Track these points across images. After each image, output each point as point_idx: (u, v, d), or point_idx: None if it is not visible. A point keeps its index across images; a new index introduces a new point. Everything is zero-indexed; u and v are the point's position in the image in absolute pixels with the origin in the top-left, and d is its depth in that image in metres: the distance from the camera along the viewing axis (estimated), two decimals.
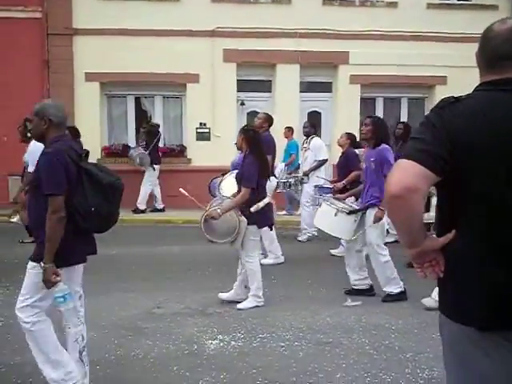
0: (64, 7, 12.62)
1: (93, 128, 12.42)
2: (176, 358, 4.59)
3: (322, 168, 9.73)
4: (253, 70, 13.31)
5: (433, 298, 5.70)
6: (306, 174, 9.55)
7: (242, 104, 13.47)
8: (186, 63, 12.77)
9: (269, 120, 8.46)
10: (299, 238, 9.67)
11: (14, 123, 11.61)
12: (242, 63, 13.09)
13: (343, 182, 7.83)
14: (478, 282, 1.94)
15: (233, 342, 4.93)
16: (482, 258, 1.94)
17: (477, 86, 2.10)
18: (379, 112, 14.04)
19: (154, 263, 7.89)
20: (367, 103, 13.89)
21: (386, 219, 6.06)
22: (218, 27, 12.84)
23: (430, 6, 13.41)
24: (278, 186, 8.71)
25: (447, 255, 2.02)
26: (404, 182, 1.87)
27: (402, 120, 13.90)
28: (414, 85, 13.63)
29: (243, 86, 13.36)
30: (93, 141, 11.90)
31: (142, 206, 12.02)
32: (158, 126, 12.59)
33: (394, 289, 6.19)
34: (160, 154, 12.35)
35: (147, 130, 12.40)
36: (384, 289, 6.23)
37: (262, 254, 7.78)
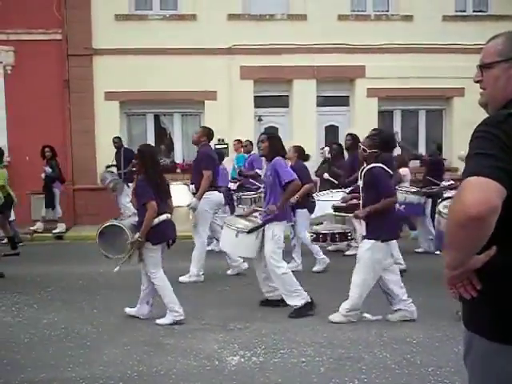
0: (83, 28, 12.88)
1: (112, 146, 12.58)
2: (198, 373, 4.62)
3: None
4: (270, 85, 13.42)
5: (340, 313, 5.80)
6: None
7: (260, 120, 13.56)
8: (204, 81, 12.92)
9: (207, 134, 8.30)
10: None
11: (35, 143, 11.87)
12: (259, 79, 13.21)
13: (296, 195, 7.50)
14: None
15: (254, 358, 4.95)
16: None
17: None
18: (397, 125, 14.05)
19: (175, 279, 7.92)
20: (385, 116, 13.90)
21: (281, 232, 6.20)
22: (235, 45, 12.98)
23: (445, 18, 13.43)
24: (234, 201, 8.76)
25: (486, 272, 1.92)
26: (487, 202, 1.71)
27: (420, 131, 13.95)
28: (432, 97, 13.61)
29: (260, 101, 13.46)
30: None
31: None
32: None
33: (298, 301, 6.17)
34: None
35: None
36: (288, 303, 6.20)
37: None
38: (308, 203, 8.07)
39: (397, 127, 14.04)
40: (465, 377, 2.19)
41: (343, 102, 13.85)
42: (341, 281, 6.57)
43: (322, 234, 6.40)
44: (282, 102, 13.72)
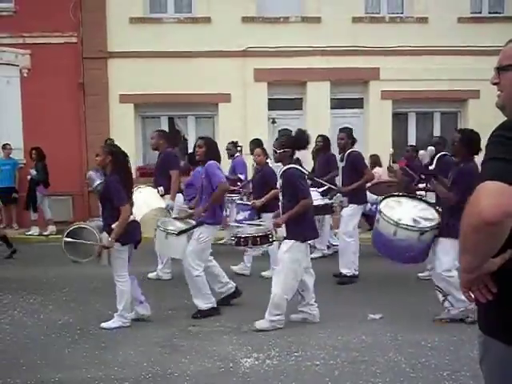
0: (99, 31, 12.98)
1: (127, 148, 12.40)
2: (212, 375, 4.64)
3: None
4: (283, 88, 13.42)
5: (266, 319, 5.76)
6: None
7: (274, 122, 13.57)
8: (218, 83, 12.95)
9: (164, 136, 8.36)
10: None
11: (51, 145, 11.98)
12: (273, 82, 13.22)
13: (262, 199, 7.59)
14: None
15: (268, 361, 4.95)
16: None
17: None
18: (412, 127, 14.00)
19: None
20: (399, 118, 13.85)
21: (207, 234, 6.24)
22: (249, 47, 13.01)
23: (460, 19, 13.35)
24: None
25: (501, 275, 1.92)
26: (502, 207, 1.70)
27: (435, 133, 13.85)
28: (447, 99, 13.54)
29: (274, 104, 13.47)
30: None
31: None
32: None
33: (204, 304, 6.25)
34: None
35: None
36: (195, 302, 6.29)
37: None
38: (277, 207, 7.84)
39: (411, 129, 14.01)
40: (481, 381, 2.18)
41: (357, 104, 13.82)
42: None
43: (243, 237, 6.31)
44: (296, 104, 13.72)
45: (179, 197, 8.17)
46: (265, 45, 12.94)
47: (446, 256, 5.70)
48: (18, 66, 13.18)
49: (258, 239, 6.27)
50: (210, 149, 6.43)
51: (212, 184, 6.23)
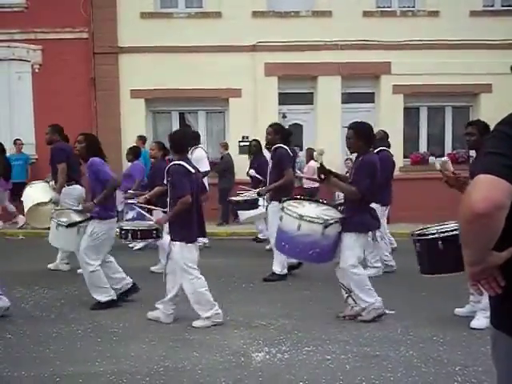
0: (109, 27, 13.02)
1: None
2: (223, 369, 4.64)
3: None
4: (294, 82, 13.39)
5: (201, 319, 5.74)
6: None
7: (284, 117, 13.55)
8: (229, 78, 12.95)
9: (58, 130, 8.51)
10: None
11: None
12: (284, 76, 13.19)
13: (146, 195, 7.43)
14: None
15: (279, 355, 4.95)
16: None
17: None
18: (423, 121, 13.93)
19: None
20: (411, 113, 13.78)
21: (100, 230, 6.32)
22: (259, 42, 12.99)
23: (472, 13, 13.24)
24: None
25: (508, 269, 1.94)
26: (492, 200, 1.75)
27: (446, 128, 13.80)
28: (459, 93, 13.45)
29: (285, 98, 13.45)
30: None
31: None
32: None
33: (103, 297, 6.36)
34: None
35: None
36: (93, 295, 6.37)
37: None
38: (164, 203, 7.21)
39: (423, 124, 13.94)
40: (493, 376, 2.17)
41: (368, 98, 13.77)
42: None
43: (125, 230, 6.43)
44: (307, 98, 13.69)
45: (75, 189, 8.23)
46: (275, 39, 12.91)
47: (350, 251, 5.68)
48: (29, 61, 13.26)
49: (139, 233, 6.45)
50: (90, 145, 6.44)
51: (100, 181, 6.27)
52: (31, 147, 13.10)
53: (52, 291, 7.23)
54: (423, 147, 13.95)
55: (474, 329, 5.48)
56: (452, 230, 5.19)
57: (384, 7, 13.58)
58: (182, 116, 13.80)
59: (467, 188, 1.85)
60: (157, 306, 5.95)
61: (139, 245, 9.71)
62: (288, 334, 5.47)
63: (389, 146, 8.39)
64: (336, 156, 12.29)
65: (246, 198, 8.81)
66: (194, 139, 9.55)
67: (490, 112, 12.49)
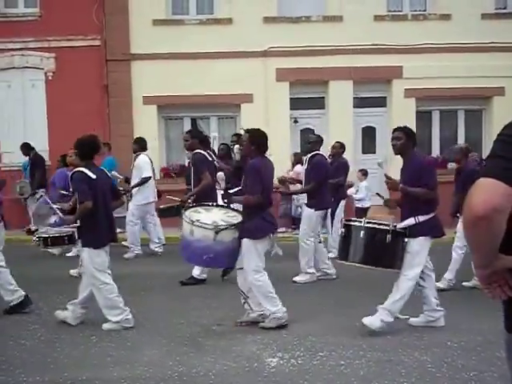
0: (121, 34, 13.11)
1: (151, 149, 12.66)
2: (237, 375, 4.65)
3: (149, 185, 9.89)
4: (306, 87, 13.40)
5: (110, 322, 5.81)
6: (128, 191, 9.79)
7: (296, 122, 13.56)
8: (240, 84, 12.98)
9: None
10: (125, 256, 9.78)
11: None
12: (295, 81, 13.21)
13: (70, 203, 7.25)
14: None
15: (292, 360, 4.95)
16: None
17: None
18: (436, 125, 13.88)
19: (214, 280, 7.98)
20: (423, 117, 13.73)
21: None
22: (271, 47, 13.02)
23: (484, 16, 13.20)
24: None
25: None
26: (491, 203, 1.77)
27: (459, 131, 13.72)
28: (471, 97, 13.40)
29: (296, 103, 13.46)
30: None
31: None
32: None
33: (16, 299, 6.41)
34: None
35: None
36: (5, 298, 6.41)
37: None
38: None
39: (435, 128, 13.89)
40: (509, 382, 2.16)
41: (380, 102, 13.74)
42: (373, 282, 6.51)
43: (38, 238, 6.59)
44: (318, 103, 13.69)
45: None
46: (287, 44, 12.94)
47: (248, 255, 5.68)
48: (42, 69, 13.38)
49: (49, 240, 6.67)
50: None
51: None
52: (45, 154, 13.19)
53: (66, 296, 7.25)
54: (436, 151, 13.89)
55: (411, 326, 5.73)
56: (380, 224, 5.56)
57: (395, 11, 13.56)
58: (193, 122, 13.85)
59: (468, 192, 1.86)
60: (67, 306, 6.06)
61: (128, 255, 9.84)
62: (301, 340, 5.46)
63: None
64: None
65: (169, 205, 9.13)
66: (202, 144, 9.40)
67: (502, 115, 12.43)
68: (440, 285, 7.26)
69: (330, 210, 8.54)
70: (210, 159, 8.05)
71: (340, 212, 9.49)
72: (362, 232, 5.48)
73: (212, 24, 13.30)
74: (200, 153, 7.85)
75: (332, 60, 12.99)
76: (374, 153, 13.64)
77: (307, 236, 7.88)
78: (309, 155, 8.06)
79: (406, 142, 5.67)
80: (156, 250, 10.06)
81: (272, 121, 12.98)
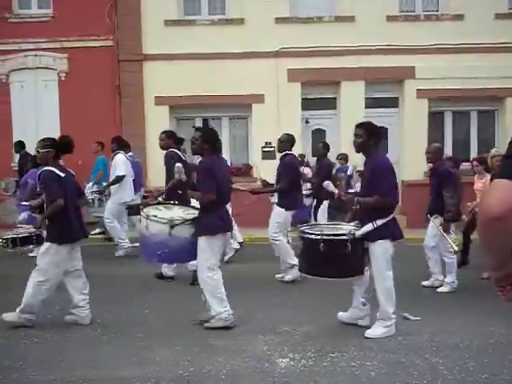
0: (134, 34, 13.17)
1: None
2: (247, 375, 4.65)
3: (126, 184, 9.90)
4: (317, 88, 13.39)
5: (16, 313, 5.79)
6: (102, 191, 9.93)
7: (307, 122, 13.54)
8: (252, 84, 12.99)
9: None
10: (116, 254, 9.85)
11: (88, 148, 12.17)
12: (307, 82, 13.19)
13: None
14: None
15: (303, 361, 4.94)
16: None
17: None
18: (448, 126, 13.80)
19: (225, 281, 7.98)
20: (436, 117, 13.66)
21: None
22: (282, 47, 13.01)
23: (497, 16, 13.08)
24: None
25: None
26: (506, 203, 1.76)
27: (472, 132, 13.62)
28: (484, 97, 13.30)
29: (308, 104, 13.44)
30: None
31: None
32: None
33: None
34: None
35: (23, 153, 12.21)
36: None
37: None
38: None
39: (448, 128, 13.81)
40: None
41: (392, 103, 13.68)
42: None
43: (5, 239, 6.63)
44: (330, 104, 13.65)
45: None
46: (298, 45, 12.92)
47: (202, 253, 5.68)
48: (55, 69, 13.47)
49: (18, 240, 6.71)
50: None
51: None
52: None
53: None
54: (448, 152, 13.77)
55: (368, 338, 5.43)
56: (336, 235, 5.48)
57: (407, 11, 13.49)
58: (205, 122, 13.87)
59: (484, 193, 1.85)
60: (72, 311, 6.11)
61: (118, 253, 9.90)
62: (312, 340, 5.45)
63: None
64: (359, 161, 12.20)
65: (135, 203, 9.43)
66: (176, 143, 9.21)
67: None
68: (444, 289, 7.24)
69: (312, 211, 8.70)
70: (183, 158, 8.12)
71: (324, 212, 9.54)
72: (321, 245, 5.38)
73: (224, 24, 13.32)
74: (172, 151, 8.00)
75: (344, 60, 12.96)
76: (387, 153, 13.58)
77: (275, 234, 7.91)
78: (280, 155, 8.08)
79: (366, 139, 5.55)
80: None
81: (283, 121, 12.96)
